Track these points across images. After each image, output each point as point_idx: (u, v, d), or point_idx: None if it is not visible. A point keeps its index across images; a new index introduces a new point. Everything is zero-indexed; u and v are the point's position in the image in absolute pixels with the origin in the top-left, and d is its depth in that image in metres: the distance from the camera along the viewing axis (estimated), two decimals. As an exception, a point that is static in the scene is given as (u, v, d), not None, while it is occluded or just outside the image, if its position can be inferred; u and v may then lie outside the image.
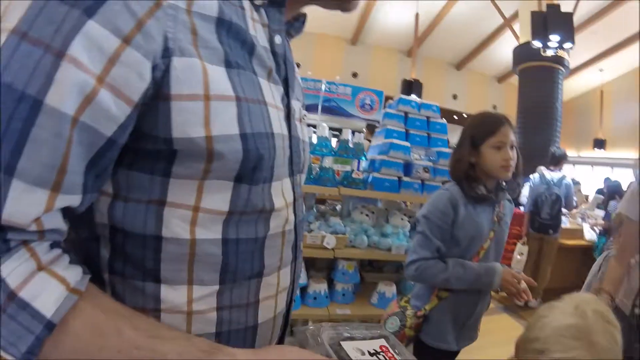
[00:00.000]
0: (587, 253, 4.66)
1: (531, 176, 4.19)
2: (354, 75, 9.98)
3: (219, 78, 0.47)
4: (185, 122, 0.44)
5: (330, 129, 2.48)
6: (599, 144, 10.56)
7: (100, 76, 0.39)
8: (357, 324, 0.62)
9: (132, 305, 0.47)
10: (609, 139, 10.42)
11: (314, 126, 2.50)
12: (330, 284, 2.23)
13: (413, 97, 2.69)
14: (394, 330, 1.41)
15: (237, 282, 0.53)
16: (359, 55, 10.23)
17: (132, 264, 0.48)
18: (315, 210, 2.39)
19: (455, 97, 11.14)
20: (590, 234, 4.80)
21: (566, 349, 0.69)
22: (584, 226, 4.99)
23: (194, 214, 0.48)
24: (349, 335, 0.58)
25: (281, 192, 0.58)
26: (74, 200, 0.42)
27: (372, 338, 0.61)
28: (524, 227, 4.15)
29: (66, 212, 0.43)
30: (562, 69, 7.15)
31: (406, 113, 2.51)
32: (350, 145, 2.30)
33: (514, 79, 8.39)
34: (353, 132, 2.38)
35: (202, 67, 0.45)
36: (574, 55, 7.72)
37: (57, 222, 0.42)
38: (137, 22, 0.40)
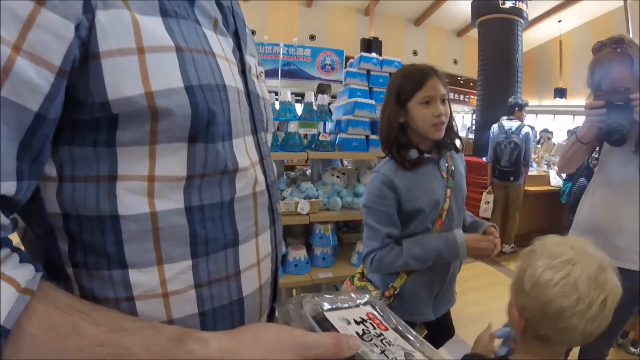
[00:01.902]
0: (554, 198, 5.00)
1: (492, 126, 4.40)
2: (312, 37, 9.83)
3: (154, 28, 0.44)
4: (120, 81, 0.42)
5: (293, 93, 2.48)
6: (560, 93, 11.05)
7: (16, 44, 0.36)
8: (342, 291, 0.59)
9: (103, 297, 0.46)
10: (569, 88, 10.89)
11: (276, 93, 2.49)
12: (309, 249, 2.30)
13: (374, 55, 2.71)
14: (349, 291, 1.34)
15: (211, 253, 0.51)
16: (315, 17, 10.05)
17: (94, 253, 0.46)
18: (285, 177, 2.43)
19: (415, 53, 11.23)
20: (556, 180, 5.11)
21: (602, 290, 0.73)
22: (550, 172, 5.32)
23: (150, 184, 0.46)
24: (333, 305, 0.56)
25: (245, 151, 0.56)
26: (7, 188, 0.38)
27: (357, 306, 0.59)
28: (488, 176, 4.41)
29: (5, 204, 0.39)
30: (521, 20, 7.38)
31: (368, 71, 2.54)
32: (315, 107, 2.32)
33: (474, 33, 8.54)
34: (316, 95, 2.39)
35: (131, 17, 0.43)
36: (532, 6, 7.93)
37: None
38: None
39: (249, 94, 0.59)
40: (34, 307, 0.38)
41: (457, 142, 1.43)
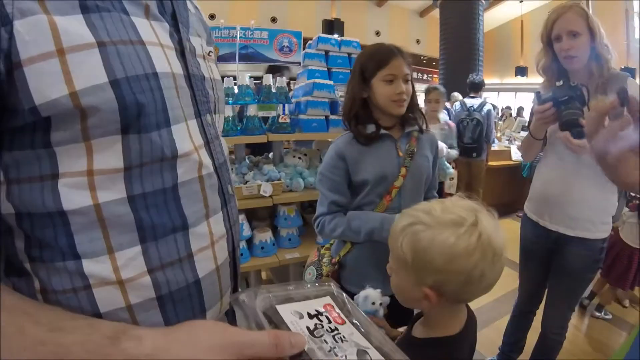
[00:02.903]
0: (516, 172, 5.26)
1: (453, 104, 4.52)
2: (273, 20, 9.72)
3: (73, 27, 0.45)
4: (44, 85, 0.43)
5: (252, 77, 2.47)
6: (521, 71, 11.44)
7: None
8: (308, 282, 0.57)
9: (62, 288, 0.49)
10: (530, 66, 11.27)
11: (234, 77, 2.47)
12: (275, 231, 2.33)
13: (333, 35, 2.72)
14: (312, 281, 1.36)
15: (160, 238, 0.53)
16: (276, -1, 9.92)
17: (48, 247, 0.48)
18: (247, 160, 2.44)
19: (378, 33, 11.32)
20: (517, 154, 5.35)
21: (501, 235, 0.75)
22: (511, 147, 5.56)
23: (90, 179, 0.48)
24: (287, 297, 0.54)
25: (187, 135, 0.57)
26: None
27: (316, 296, 0.56)
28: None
29: None
30: (482, 1, 7.55)
31: (327, 52, 2.56)
32: (273, 90, 2.33)
33: (436, 13, 8.68)
34: (274, 77, 2.39)
35: (48, 21, 0.43)
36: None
37: None
38: None
39: (190, 77, 0.59)
40: None
41: (422, 123, 1.46)
